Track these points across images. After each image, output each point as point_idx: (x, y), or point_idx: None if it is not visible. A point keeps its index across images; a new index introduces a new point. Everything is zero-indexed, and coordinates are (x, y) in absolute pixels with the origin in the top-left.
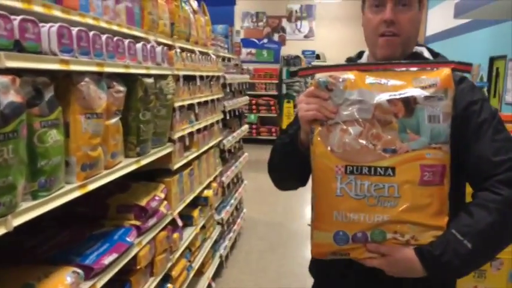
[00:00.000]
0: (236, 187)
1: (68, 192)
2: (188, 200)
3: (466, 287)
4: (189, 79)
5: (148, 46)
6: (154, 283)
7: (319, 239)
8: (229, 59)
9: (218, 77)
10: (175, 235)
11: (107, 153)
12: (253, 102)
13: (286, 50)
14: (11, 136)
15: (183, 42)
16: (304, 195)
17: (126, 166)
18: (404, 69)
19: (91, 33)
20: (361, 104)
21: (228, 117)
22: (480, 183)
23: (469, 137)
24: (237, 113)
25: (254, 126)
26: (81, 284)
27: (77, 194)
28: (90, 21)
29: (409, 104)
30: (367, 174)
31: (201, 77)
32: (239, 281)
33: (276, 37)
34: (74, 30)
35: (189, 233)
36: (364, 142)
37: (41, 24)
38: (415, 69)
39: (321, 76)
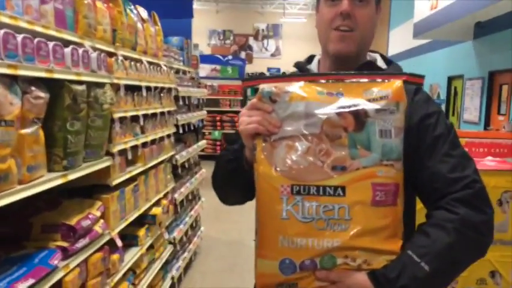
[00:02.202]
0: (192, 205)
1: None
2: (131, 219)
3: None
4: (135, 89)
5: (80, 51)
6: None
7: (263, 269)
8: (184, 72)
9: (170, 89)
10: (115, 256)
11: (22, 166)
12: (218, 118)
13: (253, 68)
14: None
15: (128, 50)
16: None
17: (48, 181)
18: (354, 80)
19: (1, 32)
20: (308, 117)
21: (181, 132)
22: (435, 201)
23: (423, 151)
24: (192, 128)
25: (218, 143)
26: None
27: None
28: (6, 19)
29: (360, 117)
30: (315, 194)
31: (148, 88)
32: None
33: (243, 55)
34: None
35: (133, 254)
36: (311, 159)
37: None
38: (365, 80)
39: (265, 86)
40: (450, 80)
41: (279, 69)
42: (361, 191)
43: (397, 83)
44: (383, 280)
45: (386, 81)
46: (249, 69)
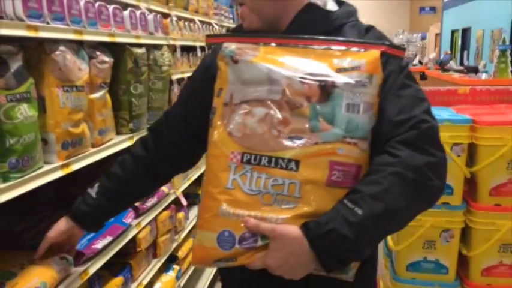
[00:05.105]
0: None
1: (47, 173)
2: (193, 178)
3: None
4: (189, 50)
5: (138, 13)
6: (159, 264)
7: (201, 241)
8: None
9: None
10: (180, 214)
11: (94, 130)
12: None
13: None
14: None
15: (181, 10)
16: None
17: (118, 143)
18: (325, 47)
19: None
20: (271, 82)
21: None
22: (379, 147)
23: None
24: None
25: None
26: (70, 271)
27: (59, 174)
28: None
29: (326, 87)
30: (266, 165)
31: (202, 48)
32: None
33: None
34: None
35: (197, 212)
36: (267, 127)
37: None
38: (338, 48)
39: (228, 45)
40: None
41: None
42: (317, 168)
43: (373, 53)
44: (312, 226)
45: (362, 50)
46: None
